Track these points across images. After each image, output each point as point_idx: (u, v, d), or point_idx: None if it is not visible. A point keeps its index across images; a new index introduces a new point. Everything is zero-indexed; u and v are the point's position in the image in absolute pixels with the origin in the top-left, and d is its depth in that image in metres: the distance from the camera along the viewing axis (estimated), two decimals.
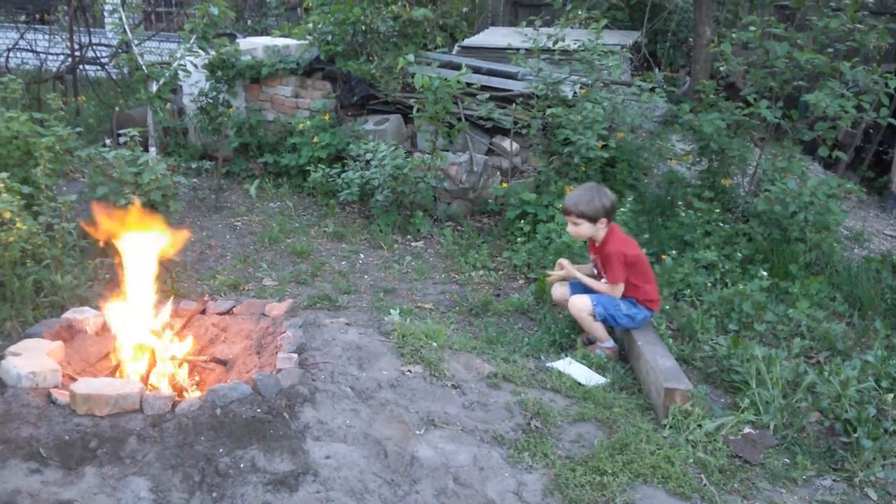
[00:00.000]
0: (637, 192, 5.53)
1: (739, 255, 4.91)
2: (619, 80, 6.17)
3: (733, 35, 5.50)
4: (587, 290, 4.03)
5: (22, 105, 5.30)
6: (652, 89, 5.69)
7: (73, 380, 3.00)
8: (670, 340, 4.03)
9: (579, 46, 5.88)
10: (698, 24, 7.43)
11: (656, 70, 8.22)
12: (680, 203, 5.40)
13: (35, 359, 3.01)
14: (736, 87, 6.67)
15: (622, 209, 4.96)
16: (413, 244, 5.58)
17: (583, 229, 3.87)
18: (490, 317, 4.48)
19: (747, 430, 3.34)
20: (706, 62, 7.33)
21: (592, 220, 3.82)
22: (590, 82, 5.86)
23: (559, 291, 4.16)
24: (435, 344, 3.69)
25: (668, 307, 4.38)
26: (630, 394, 3.60)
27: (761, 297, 4.41)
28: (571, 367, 3.71)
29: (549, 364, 3.78)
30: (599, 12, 7.79)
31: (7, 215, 3.73)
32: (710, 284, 4.66)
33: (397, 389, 3.29)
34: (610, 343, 3.99)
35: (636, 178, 5.70)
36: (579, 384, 3.59)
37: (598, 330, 3.97)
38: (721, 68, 5.79)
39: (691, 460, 3.10)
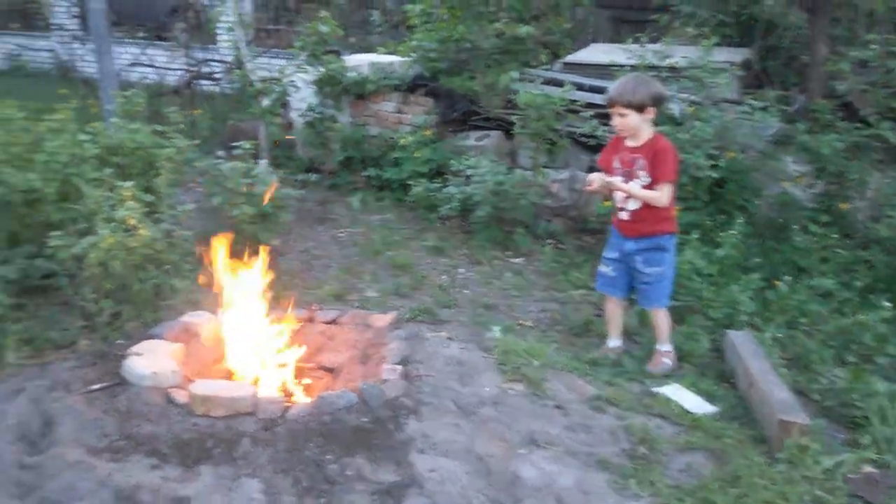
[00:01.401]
0: (748, 214, 5.33)
1: (859, 283, 4.65)
2: (730, 98, 5.98)
3: (852, 53, 5.25)
4: (628, 286, 4.00)
5: (144, 118, 5.59)
6: (764, 108, 5.49)
7: (191, 381, 3.13)
8: (784, 370, 3.85)
9: (688, 63, 5.74)
10: (813, 41, 7.12)
11: (768, 88, 7.93)
12: (794, 227, 5.17)
13: (156, 359, 3.16)
14: (852, 107, 6.36)
15: (731, 231, 4.79)
16: (513, 260, 5.55)
17: (630, 120, 3.69)
18: (592, 337, 4.39)
19: (868, 468, 3.15)
20: (821, 81, 7.01)
21: (639, 108, 3.65)
22: (699, 100, 5.71)
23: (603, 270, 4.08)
24: (536, 362, 3.65)
25: (781, 335, 4.19)
26: (741, 424, 3.45)
27: (883, 329, 4.16)
28: (679, 394, 3.59)
29: (655, 389, 3.67)
30: (708, 29, 7.59)
31: (132, 222, 3.93)
32: (826, 313, 4.43)
33: (499, 407, 3.27)
34: (668, 347, 3.95)
35: (746, 199, 5.49)
36: (687, 412, 3.47)
37: (666, 329, 3.96)
38: (839, 87, 5.53)
39: (808, 498, 2.94)
